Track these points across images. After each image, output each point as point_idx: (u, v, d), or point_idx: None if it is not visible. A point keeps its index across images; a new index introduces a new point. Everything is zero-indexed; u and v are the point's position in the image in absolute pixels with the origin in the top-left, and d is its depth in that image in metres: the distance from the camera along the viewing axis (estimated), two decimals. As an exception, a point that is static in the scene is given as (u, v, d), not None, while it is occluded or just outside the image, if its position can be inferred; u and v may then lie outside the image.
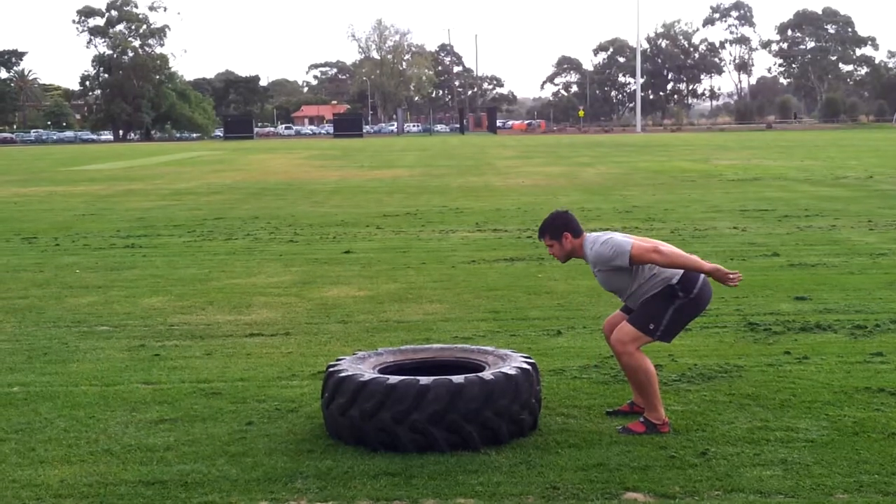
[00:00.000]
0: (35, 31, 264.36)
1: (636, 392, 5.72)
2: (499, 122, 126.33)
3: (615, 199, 21.59)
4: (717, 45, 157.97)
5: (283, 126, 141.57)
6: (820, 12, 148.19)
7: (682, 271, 5.48)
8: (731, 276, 5.42)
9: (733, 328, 8.18)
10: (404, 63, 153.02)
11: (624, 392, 6.21)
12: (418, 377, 5.24)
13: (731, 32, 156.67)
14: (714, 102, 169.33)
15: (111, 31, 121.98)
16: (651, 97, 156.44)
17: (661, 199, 20.92)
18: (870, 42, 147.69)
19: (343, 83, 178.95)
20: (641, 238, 5.60)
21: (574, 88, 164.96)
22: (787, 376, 6.60)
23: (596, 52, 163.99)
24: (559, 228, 5.65)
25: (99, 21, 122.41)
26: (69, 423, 5.86)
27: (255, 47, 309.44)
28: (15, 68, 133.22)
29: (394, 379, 5.22)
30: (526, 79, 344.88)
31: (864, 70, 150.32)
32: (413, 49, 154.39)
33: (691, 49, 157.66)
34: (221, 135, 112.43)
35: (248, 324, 8.78)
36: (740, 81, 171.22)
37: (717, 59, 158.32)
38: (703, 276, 5.55)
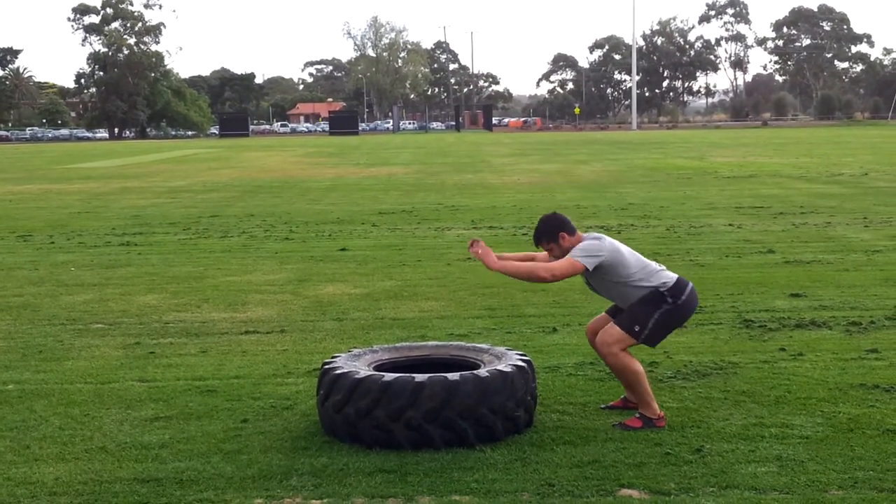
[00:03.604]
0: (30, 29, 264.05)
1: (627, 390, 5.75)
2: (494, 120, 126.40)
3: (611, 196, 21.60)
4: (713, 42, 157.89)
5: (279, 124, 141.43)
6: (815, 9, 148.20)
7: (668, 281, 5.54)
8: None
9: (728, 325, 8.19)
10: (400, 61, 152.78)
11: (619, 388, 6.21)
12: (414, 374, 5.24)
13: (727, 30, 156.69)
14: (710, 100, 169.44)
15: (106, 28, 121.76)
16: (647, 94, 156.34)
17: (656, 197, 20.93)
18: (865, 39, 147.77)
19: (339, 81, 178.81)
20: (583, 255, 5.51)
21: (570, 86, 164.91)
22: (783, 373, 6.61)
23: (592, 49, 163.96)
24: (554, 231, 5.66)
25: (94, 18, 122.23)
26: (64, 420, 5.86)
27: (251, 45, 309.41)
28: (10, 66, 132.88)
29: (389, 376, 5.22)
30: (522, 76, 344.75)
31: (859, 67, 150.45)
32: (409, 46, 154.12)
33: (687, 46, 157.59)
34: (217, 132, 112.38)
35: (244, 321, 8.77)
36: (736, 79, 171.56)
37: (712, 57, 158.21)
38: (691, 284, 5.63)
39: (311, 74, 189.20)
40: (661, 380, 6.48)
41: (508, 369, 5.33)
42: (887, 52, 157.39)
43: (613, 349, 5.52)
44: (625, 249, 5.61)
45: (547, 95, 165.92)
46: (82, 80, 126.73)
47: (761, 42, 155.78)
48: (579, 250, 5.49)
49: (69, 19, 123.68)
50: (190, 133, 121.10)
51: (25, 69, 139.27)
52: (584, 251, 5.48)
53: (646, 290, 5.52)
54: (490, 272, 5.65)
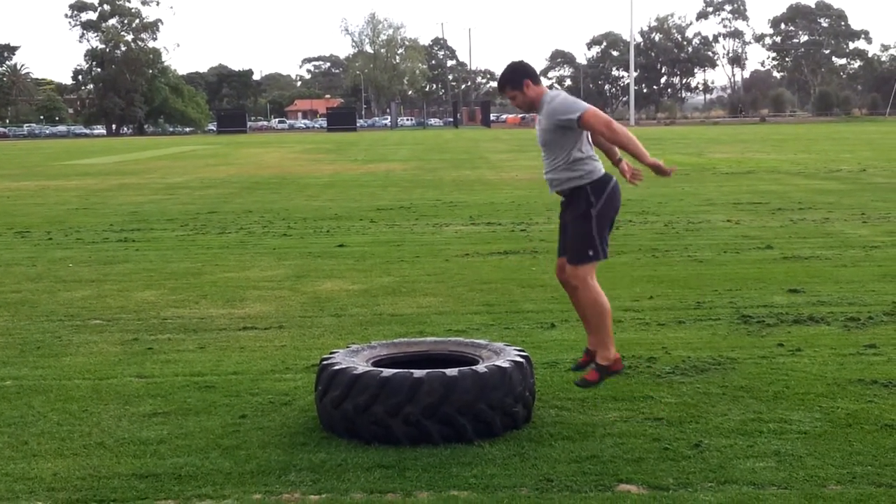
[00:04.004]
0: (28, 26, 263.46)
1: (590, 330, 5.81)
2: (493, 116, 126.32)
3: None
4: (711, 38, 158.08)
5: (277, 120, 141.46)
6: (813, 6, 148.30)
7: (596, 172, 5.63)
8: (668, 170, 5.67)
9: (727, 321, 8.19)
10: (398, 57, 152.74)
11: (616, 384, 6.21)
12: (412, 370, 5.24)
13: (725, 26, 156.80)
14: (707, 96, 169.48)
15: (104, 25, 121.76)
16: (645, 91, 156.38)
17: (654, 193, 20.91)
18: (863, 36, 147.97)
19: (336, 77, 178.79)
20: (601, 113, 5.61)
21: (568, 82, 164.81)
22: (781, 368, 6.61)
23: (589, 45, 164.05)
24: (518, 76, 5.69)
25: (92, 15, 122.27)
26: (62, 416, 5.85)
27: (249, 41, 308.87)
28: (7, 63, 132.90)
29: (387, 372, 5.22)
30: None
31: (857, 63, 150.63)
32: (407, 43, 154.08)
33: (685, 43, 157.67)
34: (214, 129, 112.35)
35: (242, 317, 8.77)
36: (734, 75, 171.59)
37: (710, 53, 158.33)
38: (614, 179, 5.73)
39: (308, 71, 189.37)
40: (660, 375, 6.48)
41: (507, 365, 5.33)
42: (885, 48, 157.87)
43: (588, 283, 5.61)
44: None
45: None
46: (80, 77, 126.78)
47: (759, 38, 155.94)
48: (570, 104, 5.53)
49: (66, 16, 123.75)
50: (187, 130, 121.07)
51: (23, 66, 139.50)
52: (571, 102, 5.55)
53: (576, 173, 5.60)
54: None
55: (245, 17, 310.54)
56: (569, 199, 5.72)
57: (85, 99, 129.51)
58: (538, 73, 5.84)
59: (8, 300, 9.81)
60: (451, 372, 5.19)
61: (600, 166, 5.73)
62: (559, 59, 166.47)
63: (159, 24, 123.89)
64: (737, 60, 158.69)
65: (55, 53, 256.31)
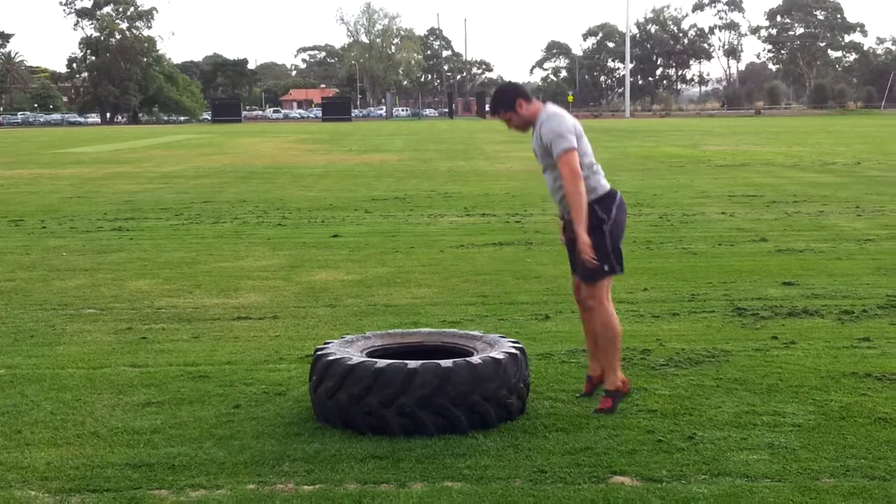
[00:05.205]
0: (21, 13, 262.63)
1: (596, 354, 5.78)
2: (487, 107, 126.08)
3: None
4: (707, 30, 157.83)
5: (272, 109, 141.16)
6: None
7: (600, 187, 5.57)
8: (583, 252, 5.43)
9: (721, 313, 8.20)
10: (393, 47, 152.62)
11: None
12: (406, 361, 5.23)
13: (721, 18, 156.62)
14: (703, 88, 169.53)
15: (98, 13, 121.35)
16: (640, 82, 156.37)
17: (649, 185, 20.93)
18: (858, 28, 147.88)
19: (332, 67, 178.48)
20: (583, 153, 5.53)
21: (563, 73, 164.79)
22: (775, 361, 6.62)
23: (585, 36, 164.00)
24: (511, 98, 5.63)
25: (86, 3, 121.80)
26: (56, 405, 5.84)
27: (244, 30, 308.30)
28: (1, 50, 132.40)
29: (382, 363, 5.21)
30: (515, 63, 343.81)
31: (852, 56, 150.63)
32: (402, 33, 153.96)
33: (680, 34, 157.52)
34: (209, 118, 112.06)
35: (236, 307, 8.76)
36: (729, 67, 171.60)
37: (706, 45, 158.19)
38: (619, 194, 5.67)
39: (304, 60, 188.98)
40: (654, 367, 6.48)
41: (501, 356, 5.33)
42: (880, 41, 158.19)
43: (604, 301, 5.57)
44: (582, 131, 5.61)
45: (540, 83, 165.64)
46: (74, 65, 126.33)
47: (755, 31, 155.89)
48: (555, 136, 5.43)
49: (61, 3, 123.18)
50: (182, 118, 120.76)
51: (17, 53, 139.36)
52: (557, 135, 5.43)
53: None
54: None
55: (240, 6, 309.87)
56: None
57: (79, 87, 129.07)
58: (530, 82, 5.79)
59: (2, 289, 9.79)
60: (446, 363, 5.19)
61: (604, 181, 5.66)
62: (555, 50, 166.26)
63: (154, 12, 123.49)
64: (732, 52, 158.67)
65: (50, 41, 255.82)
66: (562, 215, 5.78)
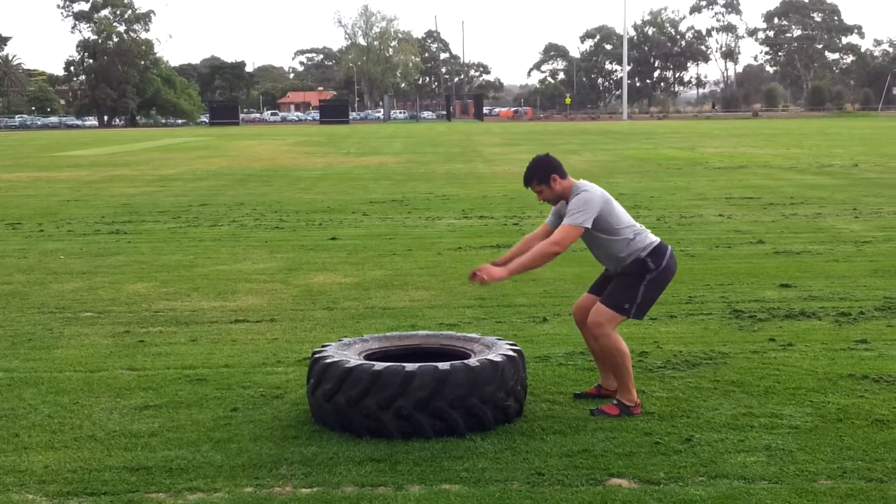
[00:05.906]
0: (19, 16, 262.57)
1: (608, 374, 5.80)
2: (485, 110, 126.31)
3: (601, 186, 21.45)
4: (704, 32, 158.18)
5: (269, 112, 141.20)
6: (806, 0, 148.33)
7: (652, 243, 5.63)
8: (478, 277, 5.49)
9: (718, 315, 8.20)
10: (391, 50, 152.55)
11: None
12: (404, 364, 5.23)
13: (718, 20, 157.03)
14: (700, 90, 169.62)
15: (96, 16, 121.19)
16: (638, 85, 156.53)
17: (647, 187, 20.95)
18: (856, 30, 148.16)
19: (329, 69, 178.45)
20: (585, 219, 5.53)
21: (561, 76, 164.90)
22: (772, 363, 6.63)
23: (583, 39, 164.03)
24: (546, 173, 5.68)
25: (84, 6, 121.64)
26: (53, 409, 5.84)
27: (241, 33, 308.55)
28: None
29: (379, 365, 5.21)
30: (513, 66, 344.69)
31: (849, 58, 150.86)
32: (399, 35, 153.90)
33: (678, 37, 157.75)
34: (207, 121, 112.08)
35: (234, 310, 8.76)
36: (726, 69, 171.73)
37: (703, 47, 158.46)
38: (670, 248, 5.72)
39: (301, 63, 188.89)
40: (651, 369, 6.49)
41: (498, 359, 5.33)
42: (878, 43, 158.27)
43: (606, 329, 5.56)
44: (614, 200, 5.69)
45: (538, 85, 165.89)
46: (72, 68, 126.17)
47: (752, 33, 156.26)
48: (575, 209, 5.50)
49: (58, 6, 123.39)
50: (180, 121, 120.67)
51: (14, 56, 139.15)
52: (578, 209, 5.50)
53: (631, 252, 5.58)
54: (499, 281, 5.59)
55: (238, 9, 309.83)
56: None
57: (77, 90, 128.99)
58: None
59: (-1, 292, 9.79)
60: (443, 366, 5.19)
61: (651, 235, 5.72)
62: (552, 53, 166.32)
63: (152, 15, 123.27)
64: (730, 55, 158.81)
65: (47, 44, 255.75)
66: (610, 272, 5.81)
